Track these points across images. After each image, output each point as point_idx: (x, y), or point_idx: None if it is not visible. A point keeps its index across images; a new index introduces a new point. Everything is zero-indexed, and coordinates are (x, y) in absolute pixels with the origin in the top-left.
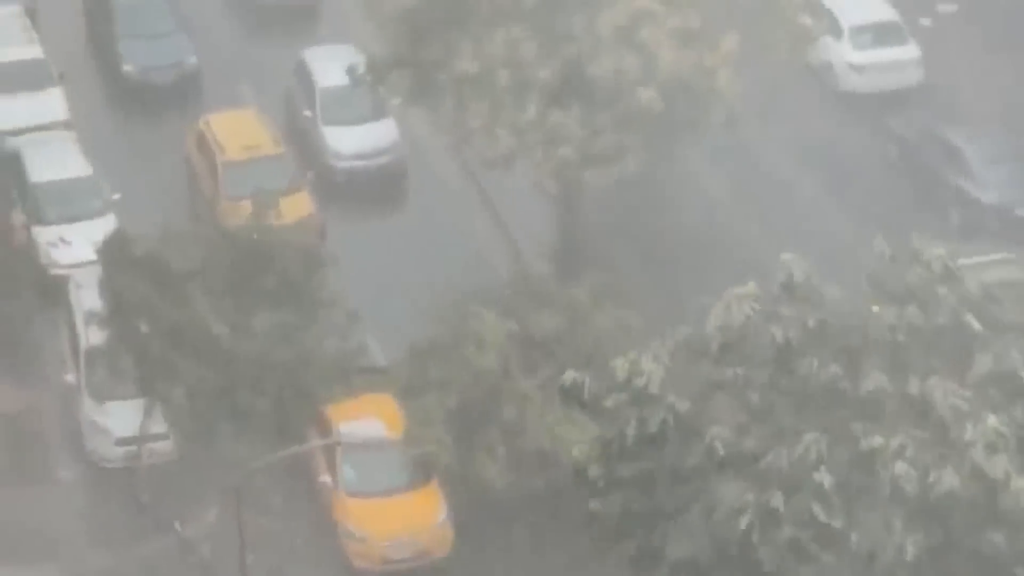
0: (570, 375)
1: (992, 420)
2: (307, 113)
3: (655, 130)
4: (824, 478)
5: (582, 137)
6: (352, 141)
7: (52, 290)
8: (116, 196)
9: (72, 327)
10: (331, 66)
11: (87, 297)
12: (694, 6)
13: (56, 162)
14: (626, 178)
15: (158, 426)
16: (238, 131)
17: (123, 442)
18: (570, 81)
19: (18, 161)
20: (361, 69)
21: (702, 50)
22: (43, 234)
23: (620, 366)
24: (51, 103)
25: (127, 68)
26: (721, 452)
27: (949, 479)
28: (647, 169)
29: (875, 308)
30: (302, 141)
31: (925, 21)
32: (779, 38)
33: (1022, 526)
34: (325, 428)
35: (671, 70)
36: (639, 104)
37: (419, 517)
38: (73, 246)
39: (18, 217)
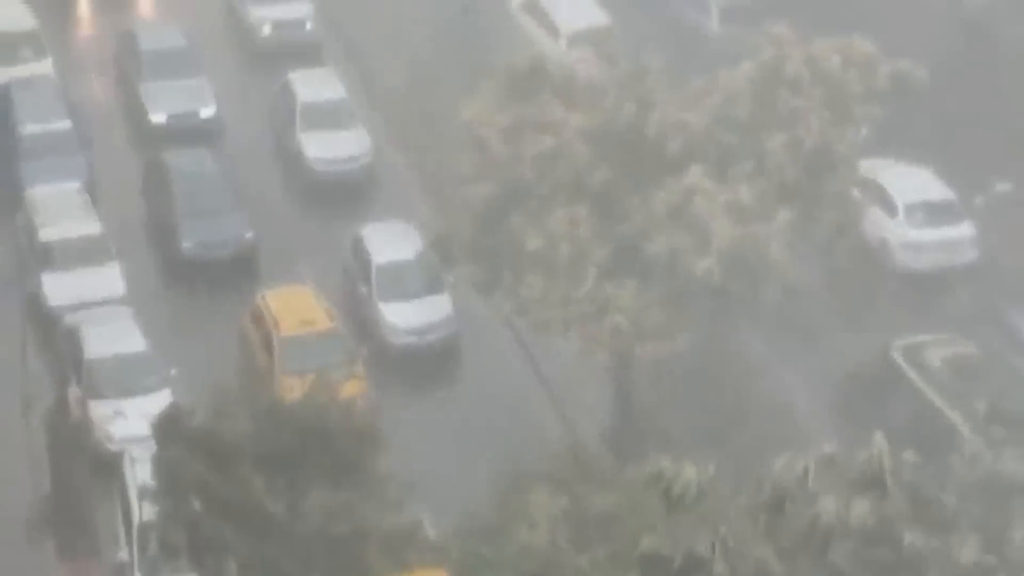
0: (649, 542)
1: None
2: (363, 289)
3: (710, 304)
4: None
5: (635, 309)
6: (407, 317)
7: (107, 465)
8: (173, 371)
9: (126, 502)
10: (387, 242)
11: (141, 472)
12: (745, 182)
13: (113, 337)
14: (682, 351)
15: None
16: (294, 307)
17: None
18: (625, 257)
19: (75, 336)
20: (422, 248)
21: (755, 224)
22: (98, 408)
23: None
24: (109, 278)
25: (185, 244)
26: None
27: None
28: (704, 342)
29: None
30: (357, 316)
31: (980, 200)
32: (829, 213)
33: None
34: None
35: (724, 243)
36: (695, 277)
37: None
38: (128, 421)
39: (74, 392)
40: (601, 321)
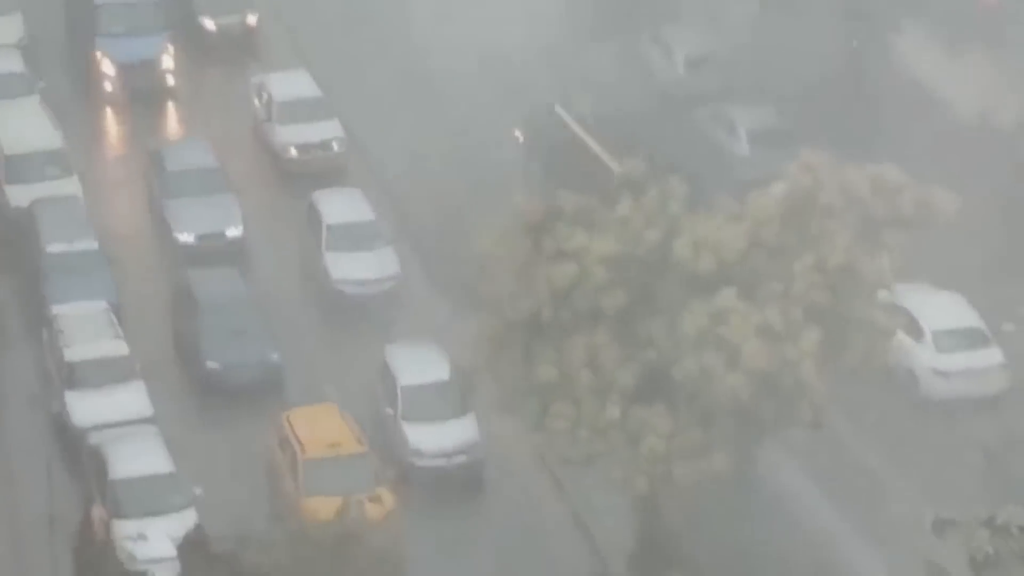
0: None
1: None
2: (388, 410)
3: (740, 425)
4: None
5: (669, 433)
6: (433, 439)
7: None
8: (198, 491)
9: None
10: (414, 363)
11: None
12: (774, 303)
13: (138, 457)
14: (711, 477)
15: None
16: (319, 428)
17: None
18: (652, 382)
19: (100, 456)
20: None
21: (784, 345)
22: (123, 529)
23: None
24: (134, 398)
25: (211, 365)
26: None
27: None
28: (732, 469)
29: None
30: (384, 438)
31: (1008, 326)
32: (857, 337)
33: None
34: None
35: (755, 363)
36: (725, 394)
37: None
38: (151, 542)
39: (98, 512)
40: (635, 447)
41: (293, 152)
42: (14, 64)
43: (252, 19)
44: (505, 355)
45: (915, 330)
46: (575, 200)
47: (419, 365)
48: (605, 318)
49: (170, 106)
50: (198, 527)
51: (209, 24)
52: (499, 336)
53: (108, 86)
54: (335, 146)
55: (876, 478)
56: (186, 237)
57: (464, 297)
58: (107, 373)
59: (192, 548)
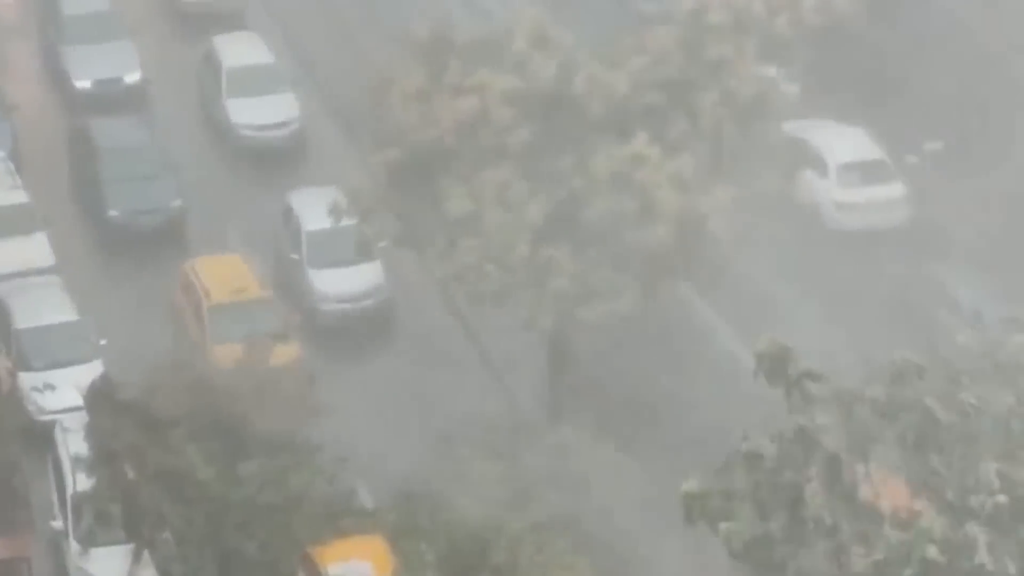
0: None
1: None
2: (293, 256)
3: (648, 268)
4: None
5: (575, 273)
6: (338, 283)
7: (39, 436)
8: (102, 342)
9: (59, 473)
10: (317, 209)
11: (74, 443)
12: (687, 150)
13: (42, 308)
14: (616, 318)
15: (146, 572)
16: (224, 275)
17: None
18: (562, 220)
19: (3, 307)
20: (345, 207)
21: (697, 195)
22: (29, 380)
23: None
24: (36, 248)
25: (112, 212)
26: None
27: None
28: (637, 310)
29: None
30: (289, 284)
31: (912, 159)
32: (766, 174)
33: None
34: (314, 571)
35: (669, 213)
36: (636, 239)
37: None
38: (59, 392)
39: (3, 363)
40: (542, 287)
41: None
42: None
43: None
44: (407, 188)
45: (819, 165)
46: (467, 32)
47: (324, 210)
48: (511, 155)
49: None
50: (104, 376)
51: None
52: (400, 167)
53: None
54: None
55: (780, 308)
56: (83, 83)
57: (370, 141)
58: (8, 223)
59: (98, 396)
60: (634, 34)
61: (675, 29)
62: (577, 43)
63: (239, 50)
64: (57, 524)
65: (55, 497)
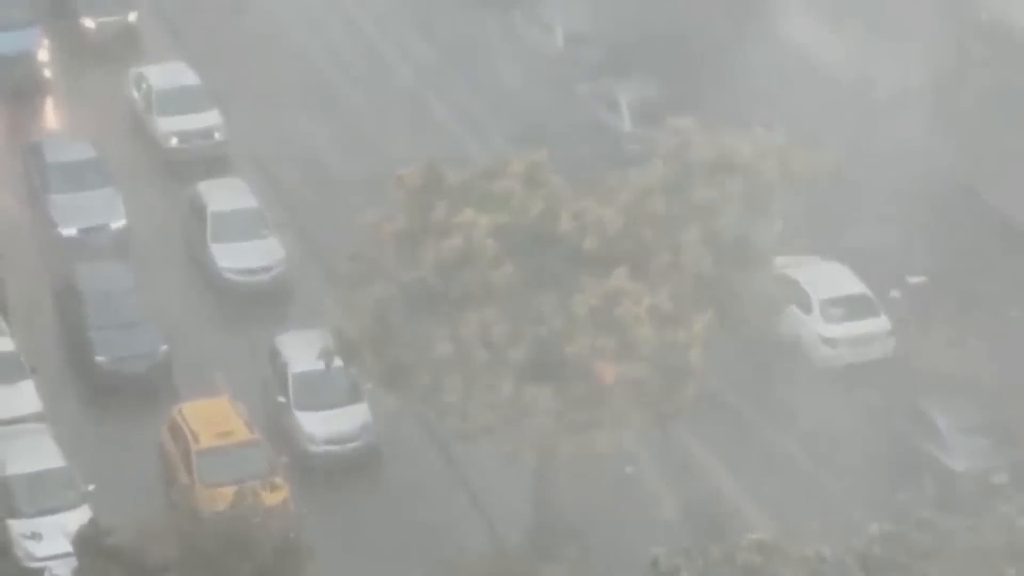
0: None
1: None
2: (281, 399)
3: (628, 403)
4: None
5: (557, 410)
6: (325, 426)
7: None
8: (90, 487)
9: None
10: (304, 352)
11: None
12: (662, 280)
13: (29, 455)
14: (595, 453)
15: None
16: (211, 419)
17: None
18: (544, 359)
19: None
20: (333, 350)
21: (676, 329)
22: (17, 527)
23: None
24: (23, 396)
25: (99, 359)
26: None
27: None
28: (616, 445)
29: None
30: (276, 426)
31: (896, 294)
32: (748, 309)
33: None
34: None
35: (648, 348)
36: (622, 378)
37: None
38: (46, 539)
39: None
40: (523, 424)
41: (174, 141)
42: None
43: (133, 17)
44: (389, 327)
45: (803, 301)
46: (456, 173)
47: (311, 352)
48: (495, 293)
49: (48, 100)
50: (92, 521)
51: (89, 23)
52: (384, 305)
53: None
54: (216, 135)
55: (765, 443)
56: (69, 231)
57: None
58: None
59: (87, 543)
60: (619, 174)
61: (659, 168)
62: (564, 181)
63: (223, 195)
64: None
65: None
